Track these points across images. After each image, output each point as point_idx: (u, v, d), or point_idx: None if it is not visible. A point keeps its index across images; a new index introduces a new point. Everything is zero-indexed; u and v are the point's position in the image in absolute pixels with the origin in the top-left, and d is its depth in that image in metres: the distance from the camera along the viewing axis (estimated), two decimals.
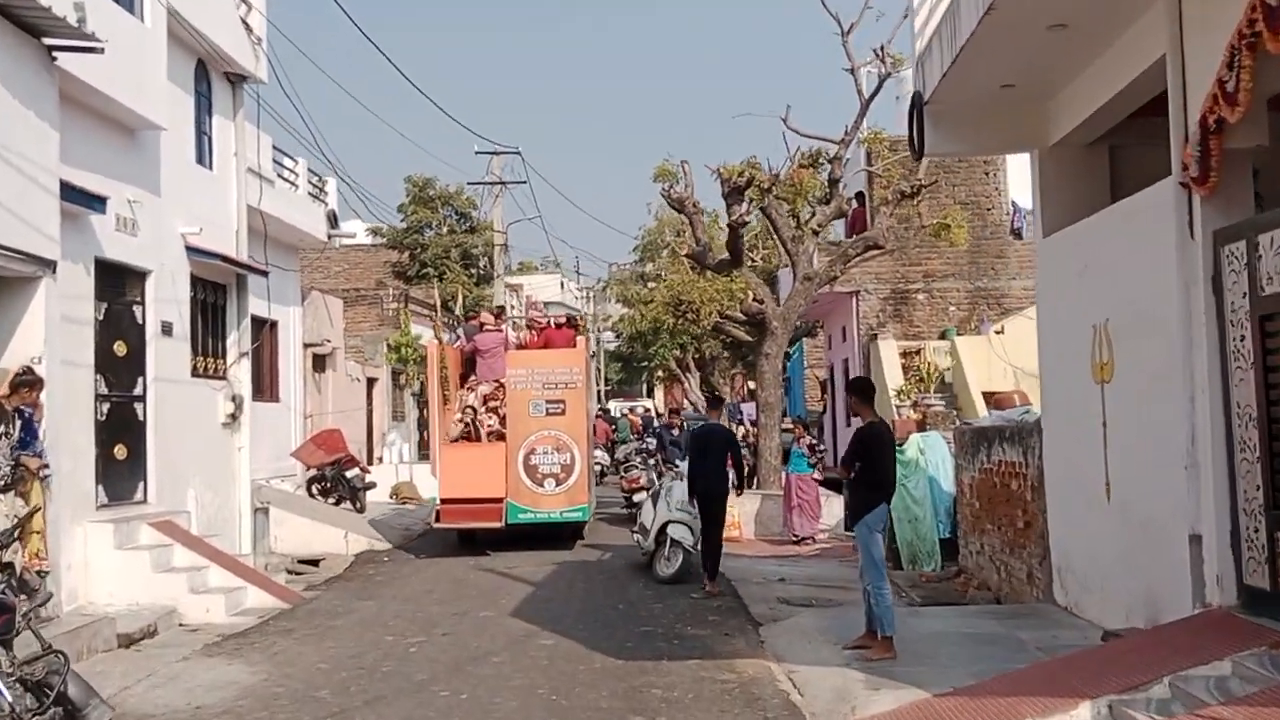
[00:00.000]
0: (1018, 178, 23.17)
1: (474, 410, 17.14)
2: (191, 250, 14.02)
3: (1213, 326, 7.16)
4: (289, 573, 16.19)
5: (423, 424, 32.95)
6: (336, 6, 42.82)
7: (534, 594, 12.81)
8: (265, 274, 15.87)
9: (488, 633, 10.52)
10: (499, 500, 16.11)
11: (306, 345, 22.57)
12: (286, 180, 20.37)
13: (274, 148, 19.74)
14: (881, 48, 19.74)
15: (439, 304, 33.95)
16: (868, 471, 8.63)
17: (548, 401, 16.58)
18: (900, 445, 15.45)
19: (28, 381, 9.84)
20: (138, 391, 12.93)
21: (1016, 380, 20.71)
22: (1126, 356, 8.46)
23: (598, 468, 23.98)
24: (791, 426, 18.69)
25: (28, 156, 10.00)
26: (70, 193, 10.89)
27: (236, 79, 15.62)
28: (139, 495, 12.84)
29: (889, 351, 21.44)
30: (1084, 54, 8.79)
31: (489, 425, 16.97)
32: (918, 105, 10.28)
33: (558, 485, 16.38)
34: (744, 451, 22.33)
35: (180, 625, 11.28)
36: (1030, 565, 11.05)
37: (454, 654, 9.65)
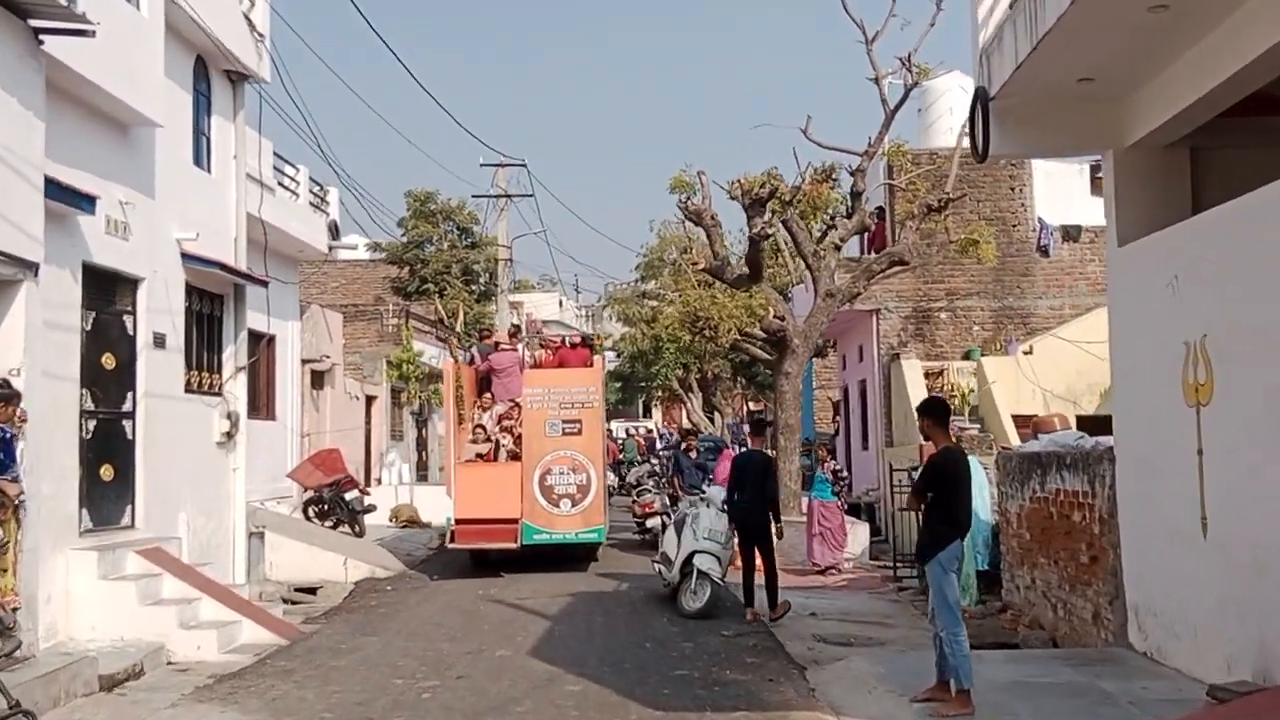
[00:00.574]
0: (1044, 193, 22.43)
1: (484, 429, 16.79)
2: (187, 257, 13.14)
3: None
4: (285, 602, 15.27)
5: (421, 444, 32.03)
6: (338, 14, 42.18)
7: (552, 630, 11.87)
8: (265, 284, 14.98)
9: (507, 676, 9.58)
10: (514, 521, 15.89)
11: (305, 361, 21.67)
12: (287, 189, 19.52)
13: (275, 154, 18.91)
14: (909, 56, 18.93)
15: (443, 319, 33.22)
16: (942, 504, 7.72)
17: (564, 421, 16.34)
18: None
19: (4, 396, 8.92)
20: (127, 408, 12.02)
21: (1046, 403, 19.89)
22: (1232, 376, 7.59)
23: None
24: (815, 449, 17.77)
25: (10, 147, 9.12)
26: (56, 190, 10.01)
27: (237, 77, 14.78)
28: (126, 520, 11.92)
29: (913, 372, 20.55)
30: (1179, 42, 7.95)
31: (505, 445, 16.70)
32: (982, 102, 9.43)
33: (573, 506, 16.12)
34: None
35: (169, 664, 10.32)
36: (1097, 605, 10.16)
37: (472, 701, 8.71)
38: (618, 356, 54.95)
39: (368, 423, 26.87)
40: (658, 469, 22.71)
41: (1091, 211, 23.15)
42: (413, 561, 17.84)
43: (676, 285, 44.24)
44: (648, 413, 66.60)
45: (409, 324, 28.88)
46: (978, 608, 13.69)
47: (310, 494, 19.45)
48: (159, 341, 12.54)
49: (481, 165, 31.60)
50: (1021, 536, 12.49)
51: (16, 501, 8.86)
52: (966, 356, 21.61)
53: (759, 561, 12.72)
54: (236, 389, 14.52)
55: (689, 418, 46.60)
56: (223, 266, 13.59)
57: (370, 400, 27.13)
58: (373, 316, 29.92)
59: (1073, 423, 20.22)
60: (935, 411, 8.11)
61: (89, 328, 11.20)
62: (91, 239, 11.06)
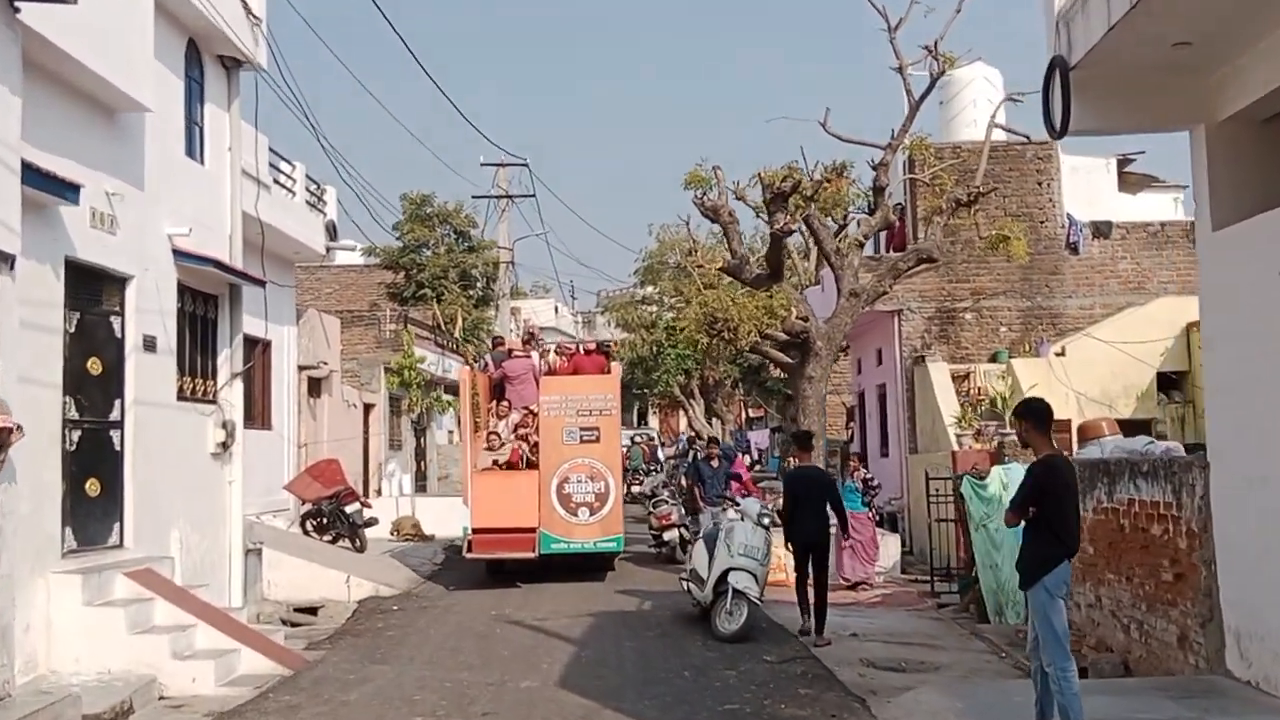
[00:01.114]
0: (1070, 189, 21.59)
1: (499, 437, 16.44)
2: (179, 254, 12.18)
3: None
4: (285, 624, 14.31)
5: (420, 453, 31.05)
6: (332, 4, 40.87)
7: (578, 655, 10.91)
8: (263, 284, 14.02)
9: (538, 712, 8.64)
10: (532, 530, 15.64)
11: (302, 368, 20.70)
12: (283, 186, 18.56)
13: (270, 150, 17.95)
14: (934, 43, 18.07)
15: (440, 325, 32.25)
16: (1046, 520, 6.78)
17: (581, 429, 16.08)
18: (981, 479, 13.74)
19: None
20: (114, 416, 11.06)
21: (1080, 407, 19.01)
22: None
23: None
24: (844, 458, 16.83)
25: None
26: (36, 177, 9.06)
27: (232, 64, 13.82)
28: (114, 539, 10.95)
29: (940, 375, 19.65)
30: None
31: (520, 453, 16.40)
32: (1061, 72, 8.51)
33: (592, 515, 15.90)
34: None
35: (161, 699, 9.36)
36: (1184, 627, 9.23)
37: None
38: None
39: (366, 432, 25.87)
40: (668, 478, 21.76)
41: (1118, 208, 22.38)
42: (418, 578, 16.87)
43: (677, 290, 43.58)
44: (643, 420, 65.65)
45: (408, 328, 27.87)
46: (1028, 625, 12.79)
47: (309, 507, 18.51)
48: (149, 345, 11.58)
49: (482, 165, 30.73)
50: (1083, 551, 11.55)
51: None
52: (993, 359, 20.74)
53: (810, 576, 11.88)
54: (232, 396, 13.55)
55: (692, 425, 45.71)
56: (217, 264, 12.63)
57: (368, 408, 26.14)
58: (370, 322, 28.91)
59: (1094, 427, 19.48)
60: (1036, 414, 7.16)
61: (72, 329, 10.24)
62: (75, 232, 10.11)
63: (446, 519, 22.19)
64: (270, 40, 14.54)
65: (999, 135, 19.75)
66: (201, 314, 13.18)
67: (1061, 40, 8.65)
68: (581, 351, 18.42)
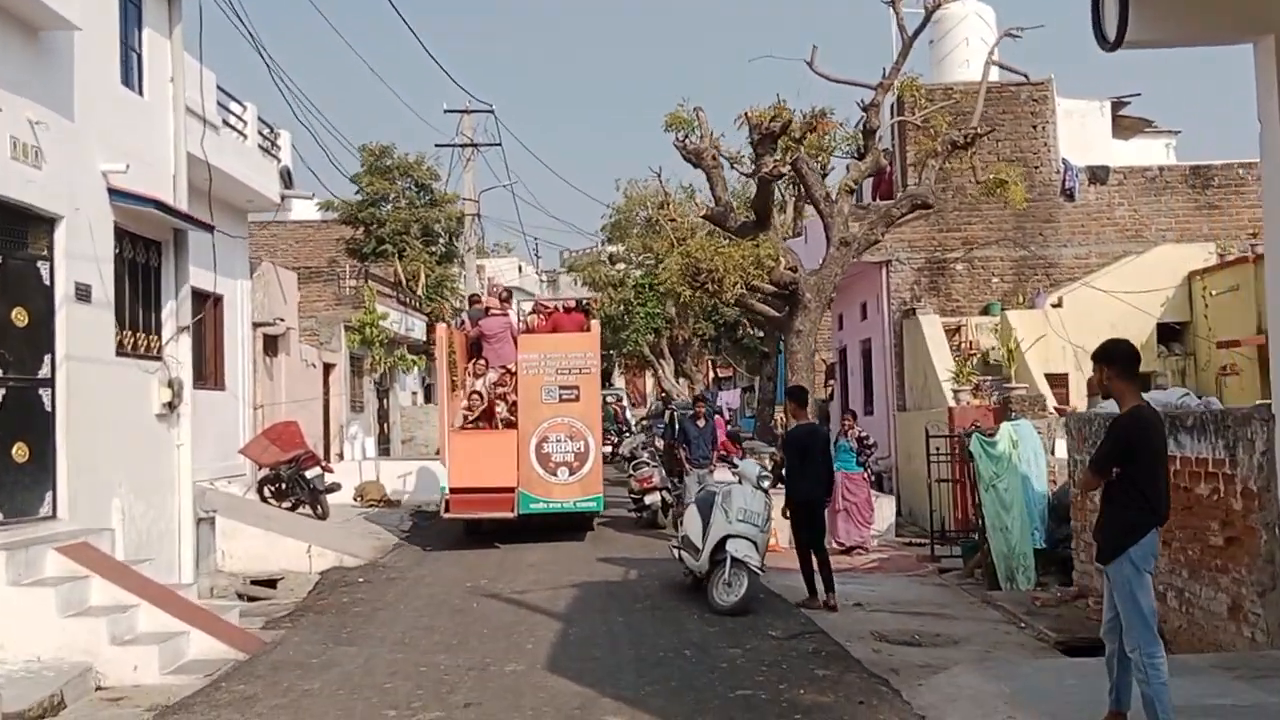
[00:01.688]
0: (1066, 133, 20.66)
1: (480, 396, 15.96)
2: (115, 193, 10.97)
3: None
4: (241, 598, 13.25)
5: (383, 415, 29.89)
6: None
7: (565, 632, 9.92)
8: (210, 229, 12.79)
9: (527, 701, 7.63)
10: (511, 490, 15.38)
11: (256, 325, 19.48)
12: (233, 128, 17.28)
13: (219, 88, 16.65)
14: None
15: (402, 282, 31.00)
16: (1132, 481, 5.80)
17: (561, 387, 15.72)
18: (989, 437, 12.85)
19: None
20: (44, 373, 9.90)
21: (1078, 361, 18.17)
22: None
23: None
24: (842, 417, 15.89)
25: None
26: None
27: None
28: (45, 510, 9.83)
29: (932, 328, 18.72)
30: None
31: (498, 412, 15.99)
32: None
33: (571, 474, 15.59)
34: (773, 449, 19.75)
35: (98, 690, 8.29)
36: (1237, 596, 8.37)
37: None
38: None
39: (326, 393, 24.66)
40: (647, 439, 20.78)
41: (1112, 153, 21.47)
42: (384, 547, 15.81)
43: (646, 247, 42.43)
44: (608, 380, 64.66)
45: (370, 284, 26.60)
46: (1042, 591, 11.97)
47: (266, 472, 17.37)
48: (83, 294, 10.41)
49: (446, 111, 29.42)
50: None
51: None
52: (985, 311, 19.88)
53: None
54: (179, 352, 12.36)
55: (660, 385, 44.75)
56: (159, 205, 11.40)
57: (329, 368, 24.91)
58: (329, 278, 27.59)
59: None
60: (1123, 358, 6.13)
61: None
62: None
63: (412, 483, 21.14)
64: None
65: (996, 74, 18.73)
66: (143, 262, 11.97)
67: None
68: (561, 309, 17.94)
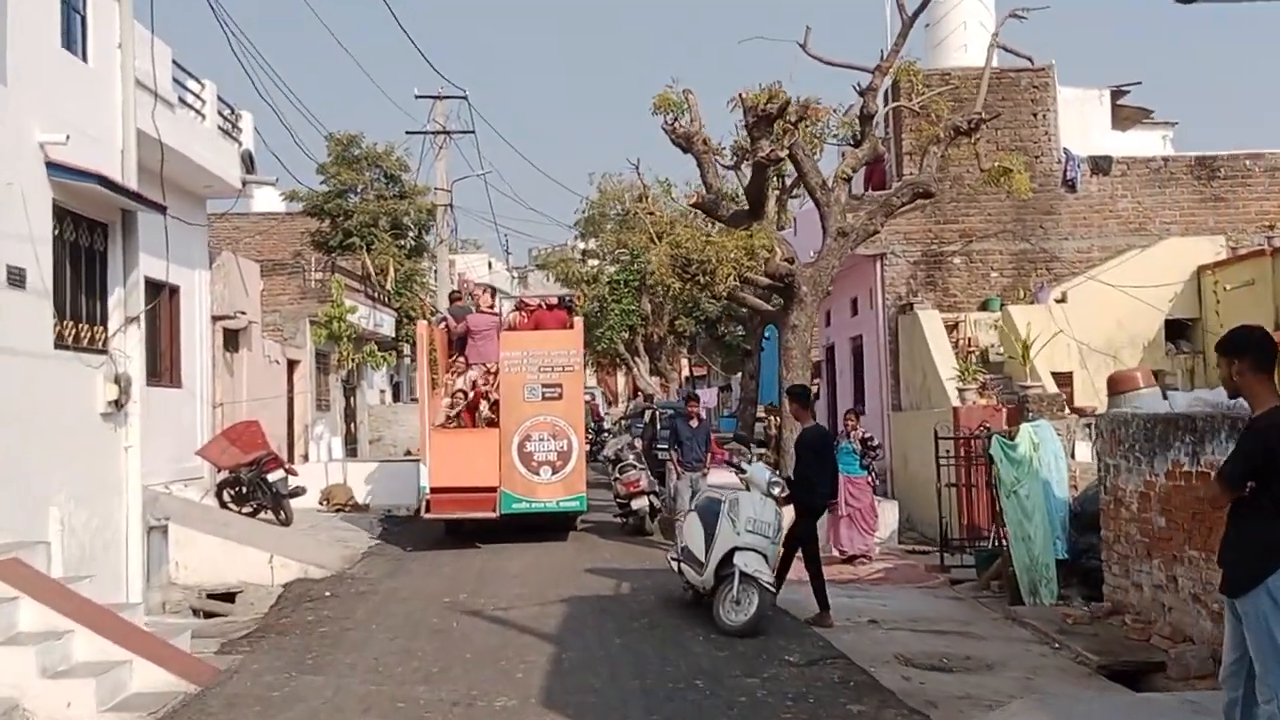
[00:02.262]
0: (1064, 122, 19.81)
1: (465, 394, 15.71)
2: (55, 167, 9.86)
3: None
4: (195, 615, 12.19)
5: (350, 414, 28.72)
6: None
7: (558, 657, 8.88)
8: (163, 210, 11.65)
9: None
10: (493, 489, 15.09)
11: (216, 318, 18.34)
12: (190, 107, 16.14)
13: (175, 63, 15.52)
14: None
15: (370, 276, 29.81)
16: (1274, 496, 4.81)
17: (544, 385, 15.45)
18: (1009, 439, 11.94)
19: None
20: None
21: (1083, 358, 17.37)
22: None
23: None
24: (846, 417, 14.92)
25: None
26: None
27: None
28: None
29: (932, 324, 17.81)
30: None
31: (480, 411, 15.73)
32: None
33: (554, 474, 15.33)
34: (765, 451, 18.83)
35: None
36: None
37: None
38: None
39: (290, 391, 23.50)
40: (633, 440, 19.77)
41: (1109, 144, 20.68)
42: (353, 555, 14.72)
43: (620, 243, 41.43)
44: None
45: (337, 275, 25.40)
46: (1070, 606, 11.06)
47: (225, 475, 16.26)
48: (16, 278, 9.31)
49: (417, 97, 28.32)
50: (1149, 523, 9.79)
51: None
52: (984, 307, 19.01)
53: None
54: (128, 345, 11.23)
55: (635, 383, 43.77)
56: (104, 181, 10.26)
57: (293, 365, 23.75)
58: (294, 270, 26.36)
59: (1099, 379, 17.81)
60: (1257, 349, 5.09)
61: None
62: None
63: (382, 486, 20.03)
64: None
65: (997, 58, 17.84)
66: (87, 245, 10.83)
67: None
68: (543, 307, 17.45)
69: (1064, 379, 17.08)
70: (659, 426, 25.53)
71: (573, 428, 15.43)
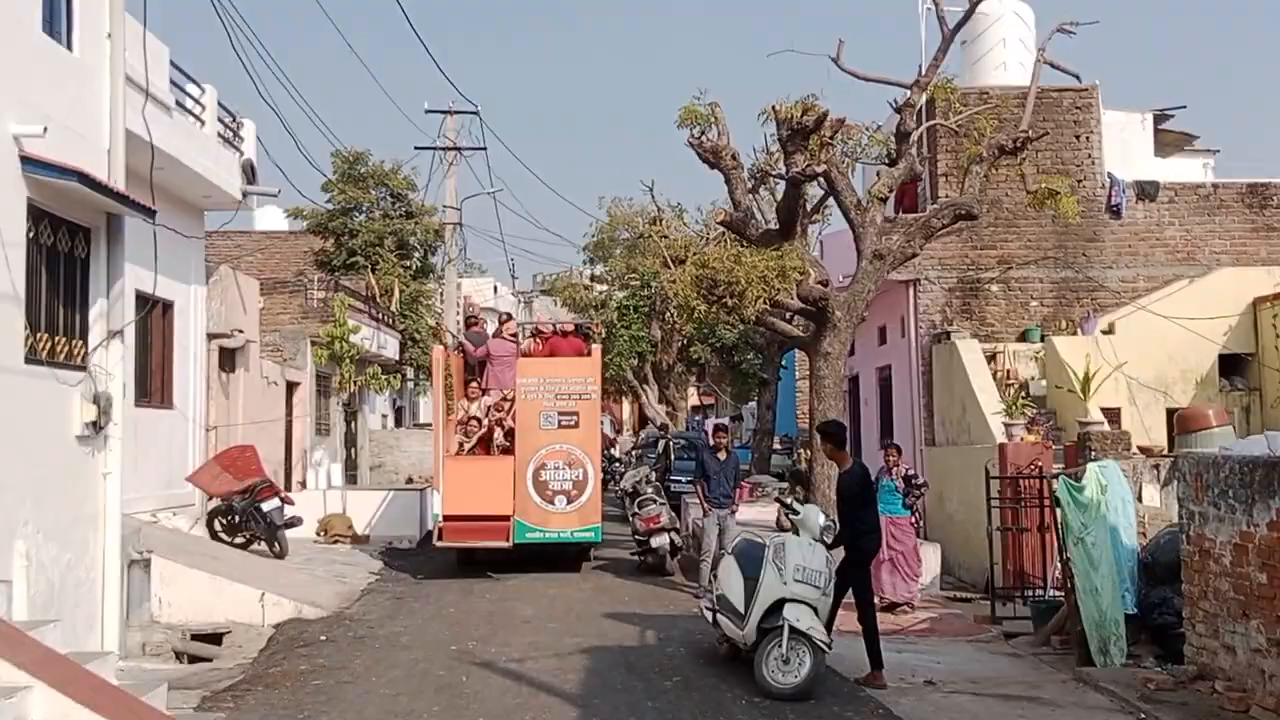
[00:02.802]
0: (1110, 147, 18.86)
1: (479, 421, 15.55)
2: (30, 162, 8.86)
3: None
4: (178, 657, 11.13)
5: (350, 440, 27.65)
6: None
7: None
8: (151, 214, 10.62)
9: None
10: (506, 518, 14.87)
11: (211, 336, 17.31)
12: (188, 111, 15.23)
13: (173, 64, 14.60)
14: None
15: (375, 296, 28.81)
16: None
17: (560, 413, 15.18)
18: (1076, 480, 10.90)
19: None
20: None
21: (1131, 394, 16.31)
22: None
23: None
24: (886, 449, 13.84)
25: None
26: None
27: None
28: None
29: (971, 354, 16.78)
30: None
31: (495, 438, 15.62)
32: None
33: (569, 503, 15.09)
34: (784, 484, 17.81)
35: None
36: None
37: None
38: None
39: (289, 414, 22.43)
40: (651, 472, 18.73)
41: (1151, 170, 19.73)
42: (352, 593, 13.66)
43: (630, 268, 40.48)
44: None
45: (339, 293, 24.38)
46: (1148, 668, 10.00)
47: (217, 503, 15.22)
48: None
49: (427, 111, 27.49)
50: (1245, 578, 8.74)
51: None
52: (1023, 337, 17.99)
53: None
54: (109, 362, 10.19)
55: (643, 412, 42.74)
56: (85, 179, 9.24)
57: (292, 387, 22.67)
58: (295, 289, 25.35)
59: (1162, 416, 16.78)
60: None
61: None
62: None
63: (383, 516, 18.99)
64: None
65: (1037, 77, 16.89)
66: (66, 250, 9.82)
67: None
68: (559, 333, 17.21)
69: (1111, 415, 16.02)
70: (673, 457, 24.62)
71: (589, 457, 15.17)
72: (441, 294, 32.61)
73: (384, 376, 25.90)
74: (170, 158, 13.70)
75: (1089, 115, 18.48)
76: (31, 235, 9.10)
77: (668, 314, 37.68)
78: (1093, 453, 11.87)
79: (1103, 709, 8.87)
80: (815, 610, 8.70)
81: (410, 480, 27.23)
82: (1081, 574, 10.52)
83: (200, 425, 16.72)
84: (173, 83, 14.70)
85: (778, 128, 14.58)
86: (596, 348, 16.89)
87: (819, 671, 8.61)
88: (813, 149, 14.67)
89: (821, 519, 9.00)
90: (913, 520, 13.24)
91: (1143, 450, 13.26)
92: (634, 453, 27.84)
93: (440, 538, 14.95)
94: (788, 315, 16.67)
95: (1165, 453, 12.87)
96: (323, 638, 11.11)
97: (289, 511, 15.51)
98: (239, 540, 15.00)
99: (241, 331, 18.52)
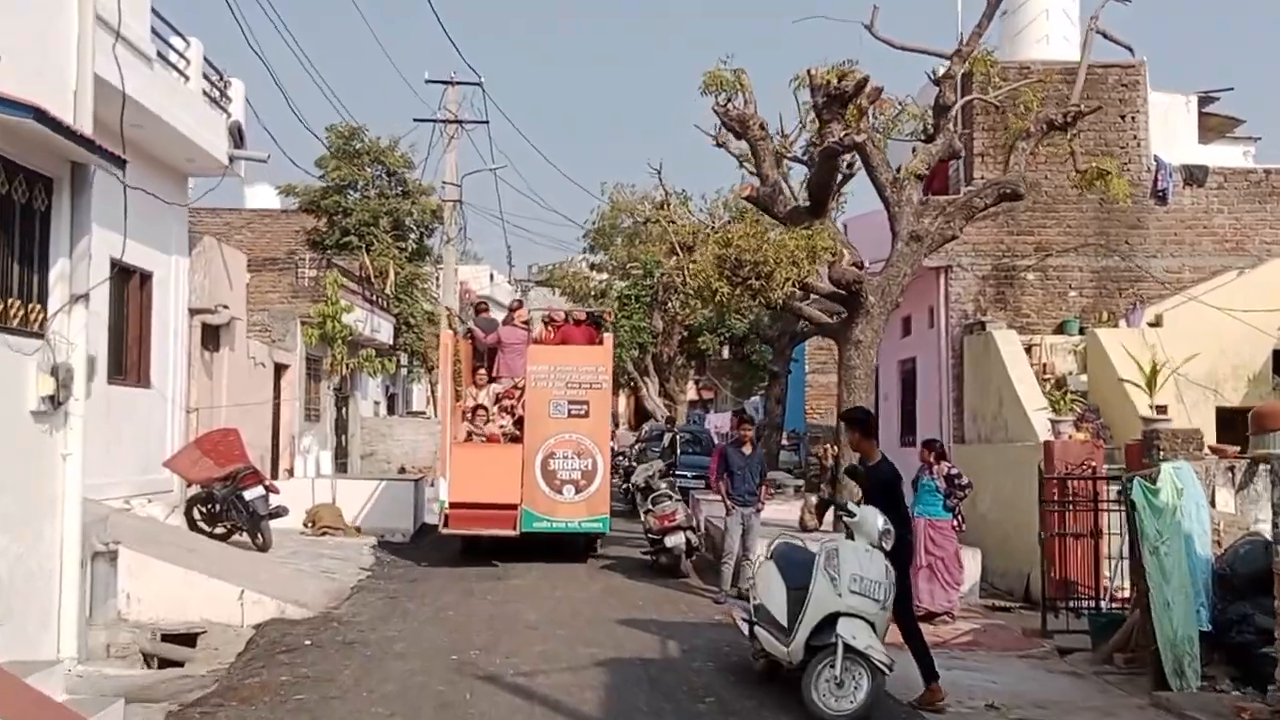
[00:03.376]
0: (1157, 128, 17.76)
1: (486, 410, 15.39)
2: None
3: None
4: (147, 661, 10.01)
5: (341, 426, 26.50)
6: None
7: None
8: (121, 163, 9.43)
9: None
10: (513, 506, 14.70)
11: (194, 311, 16.19)
12: (170, 64, 14.08)
13: (154, 12, 13.45)
14: None
15: (369, 278, 27.66)
16: None
17: (570, 402, 14.99)
18: (1151, 483, 9.79)
19: None
20: None
21: (1179, 391, 15.19)
22: None
23: None
24: (923, 448, 12.69)
25: None
26: None
27: None
28: None
29: (1010, 346, 15.67)
30: None
31: (503, 426, 15.43)
32: None
33: (578, 493, 14.88)
34: (823, 486, 16.75)
35: None
36: None
37: None
38: None
39: (276, 397, 21.28)
40: (665, 466, 17.70)
41: (1198, 156, 18.64)
42: (340, 591, 12.51)
43: (631, 256, 39.35)
44: None
45: (332, 271, 23.20)
46: (1235, 694, 8.93)
47: (197, 490, 14.09)
48: None
49: (427, 82, 26.24)
50: None
51: None
52: (1060, 329, 16.91)
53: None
54: (71, 330, 9.03)
55: (644, 405, 41.63)
56: (42, 116, 8.07)
57: (280, 369, 21.53)
58: (285, 267, 24.16)
59: (1212, 416, 15.71)
60: None
61: None
62: None
63: (375, 507, 17.86)
64: None
65: (1083, 49, 15.78)
66: (23, 201, 8.64)
67: None
68: (570, 321, 16.82)
69: (1159, 413, 14.95)
70: (679, 451, 23.53)
71: (598, 447, 14.97)
72: (438, 278, 31.45)
73: (378, 359, 24.73)
74: (149, 113, 12.63)
75: (1135, 94, 17.38)
76: None
77: (670, 304, 36.70)
78: (1161, 453, 10.76)
79: None
80: (874, 627, 7.58)
81: (403, 470, 26.11)
82: (1156, 588, 9.43)
83: (180, 406, 15.62)
84: (155, 33, 13.58)
85: (812, 94, 13.48)
86: (609, 336, 16.43)
87: (878, 696, 7.50)
88: (850, 118, 13.56)
89: (881, 522, 7.84)
90: (955, 524, 12.12)
91: (1214, 450, 12.14)
92: (637, 446, 26.71)
93: (446, 524, 14.66)
94: (815, 299, 15.54)
95: (1241, 453, 11.75)
96: (307, 642, 9.98)
97: (274, 501, 14.33)
98: (219, 531, 13.86)
99: (226, 307, 17.38)
